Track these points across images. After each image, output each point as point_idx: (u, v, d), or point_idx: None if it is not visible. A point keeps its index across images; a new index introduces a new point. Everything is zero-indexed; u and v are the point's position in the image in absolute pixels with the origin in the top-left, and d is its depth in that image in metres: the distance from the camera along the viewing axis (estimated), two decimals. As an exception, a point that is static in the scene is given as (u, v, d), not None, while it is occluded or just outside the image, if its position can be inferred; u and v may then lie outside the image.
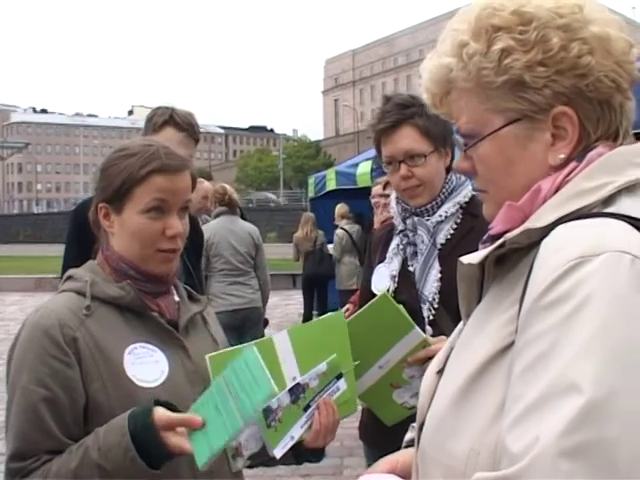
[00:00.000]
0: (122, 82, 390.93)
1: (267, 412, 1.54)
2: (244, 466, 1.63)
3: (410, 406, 2.10)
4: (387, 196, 5.21)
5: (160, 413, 1.46)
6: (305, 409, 1.62)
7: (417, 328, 2.04)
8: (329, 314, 1.77)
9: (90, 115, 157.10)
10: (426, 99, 1.23)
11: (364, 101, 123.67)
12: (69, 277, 1.73)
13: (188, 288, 1.89)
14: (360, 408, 2.59)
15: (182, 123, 2.86)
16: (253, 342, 1.57)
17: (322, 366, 1.64)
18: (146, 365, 1.62)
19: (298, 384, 1.60)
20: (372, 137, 2.42)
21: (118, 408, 1.52)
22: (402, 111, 2.29)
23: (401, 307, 2.03)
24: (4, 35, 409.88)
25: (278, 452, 1.59)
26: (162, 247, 1.67)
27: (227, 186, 6.35)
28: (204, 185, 6.18)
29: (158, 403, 1.49)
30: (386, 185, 5.28)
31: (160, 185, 1.64)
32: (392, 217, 4.95)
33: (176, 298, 1.80)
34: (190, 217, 3.18)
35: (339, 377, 1.69)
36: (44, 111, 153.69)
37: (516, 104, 1.07)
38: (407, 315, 2.03)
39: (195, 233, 3.18)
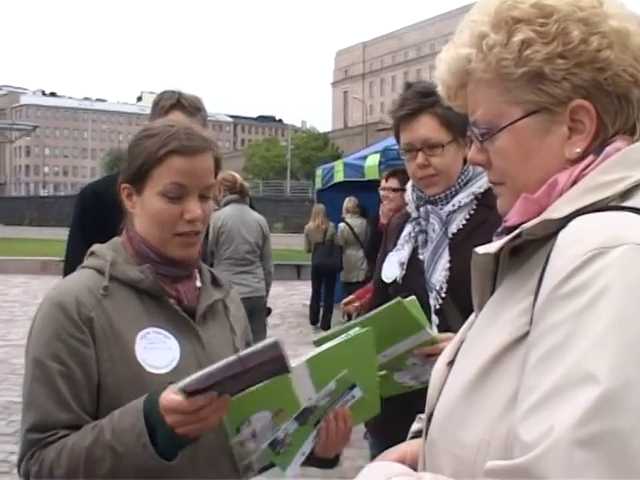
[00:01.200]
0: (132, 68, 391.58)
1: (273, 444, 1.50)
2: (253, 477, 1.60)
3: (409, 385, 2.15)
4: (389, 189, 5.23)
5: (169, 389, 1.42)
6: (316, 424, 1.58)
7: (427, 329, 2.05)
8: (357, 330, 1.64)
9: (99, 100, 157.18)
10: (441, 91, 1.23)
11: (373, 94, 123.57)
12: (92, 253, 1.71)
13: (213, 272, 1.85)
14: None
15: (189, 107, 2.86)
16: (268, 382, 1.45)
17: (331, 386, 1.56)
18: (158, 351, 1.60)
19: (305, 409, 1.53)
20: (391, 124, 2.40)
21: (124, 391, 1.52)
22: (422, 99, 2.27)
23: (414, 310, 2.02)
24: (15, 17, 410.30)
25: (290, 471, 1.55)
26: (181, 231, 1.63)
27: (236, 174, 6.33)
28: (212, 172, 6.18)
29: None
30: (388, 177, 5.28)
31: (179, 167, 1.60)
32: (394, 209, 4.99)
33: (198, 283, 1.76)
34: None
35: (352, 387, 1.61)
36: (53, 94, 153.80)
37: (534, 96, 1.07)
38: (420, 317, 2.04)
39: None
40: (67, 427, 1.51)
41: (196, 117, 2.86)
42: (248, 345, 1.81)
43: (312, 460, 1.66)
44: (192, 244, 1.67)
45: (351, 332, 1.64)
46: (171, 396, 1.39)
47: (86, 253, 1.74)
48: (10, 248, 22.21)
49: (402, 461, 1.27)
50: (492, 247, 1.08)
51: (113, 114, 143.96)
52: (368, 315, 2.01)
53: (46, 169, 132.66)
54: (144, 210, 1.65)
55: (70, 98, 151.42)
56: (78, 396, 1.53)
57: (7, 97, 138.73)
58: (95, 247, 1.72)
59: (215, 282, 1.82)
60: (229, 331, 1.79)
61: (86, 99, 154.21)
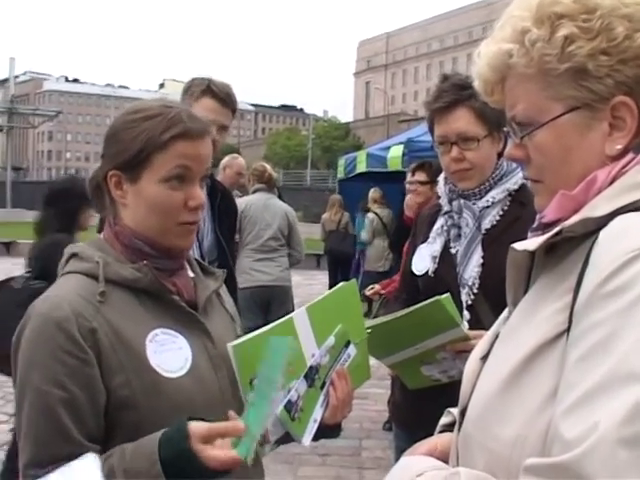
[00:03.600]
0: (154, 55, 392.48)
1: (288, 406, 1.49)
2: (271, 451, 1.56)
3: (436, 379, 2.17)
4: (416, 182, 5.23)
5: (196, 433, 1.31)
6: (322, 387, 1.60)
7: (462, 326, 2.06)
8: (342, 284, 1.73)
9: (121, 86, 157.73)
10: (478, 86, 1.22)
11: (395, 85, 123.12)
12: (74, 255, 1.55)
13: (200, 260, 1.77)
14: (389, 387, 2.61)
15: (220, 93, 2.85)
16: (273, 324, 1.53)
17: (330, 341, 1.60)
18: (169, 353, 1.49)
19: (311, 367, 1.56)
20: (426, 115, 2.38)
21: (142, 401, 1.43)
22: (459, 92, 2.23)
23: (450, 307, 2.03)
24: (39, 4, 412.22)
25: (306, 440, 1.56)
26: (183, 220, 1.53)
27: (267, 165, 6.35)
28: (238, 161, 6.19)
29: (191, 419, 1.35)
30: (415, 171, 5.27)
31: (184, 151, 1.49)
32: (424, 202, 4.98)
33: (190, 274, 1.66)
34: (225, 191, 3.19)
35: (347, 345, 1.67)
36: (76, 80, 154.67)
37: (576, 92, 1.06)
38: (455, 315, 2.04)
39: (230, 207, 3.19)
40: (71, 459, 1.36)
41: (227, 103, 2.86)
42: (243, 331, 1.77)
43: (320, 430, 1.60)
44: (192, 232, 1.58)
45: (338, 286, 1.72)
46: (221, 455, 1.30)
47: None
48: (32, 232, 22.42)
49: (432, 454, 1.27)
50: (531, 244, 1.07)
51: (135, 101, 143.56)
52: (406, 311, 2.03)
53: (68, 155, 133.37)
54: (140, 199, 1.52)
55: (93, 84, 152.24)
56: (82, 423, 1.39)
57: (31, 83, 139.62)
58: (76, 248, 1.56)
59: (205, 271, 1.73)
60: (229, 319, 1.74)
61: (108, 85, 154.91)
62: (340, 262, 11.16)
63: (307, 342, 1.57)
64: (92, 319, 1.42)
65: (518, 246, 1.09)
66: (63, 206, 4.02)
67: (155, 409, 1.43)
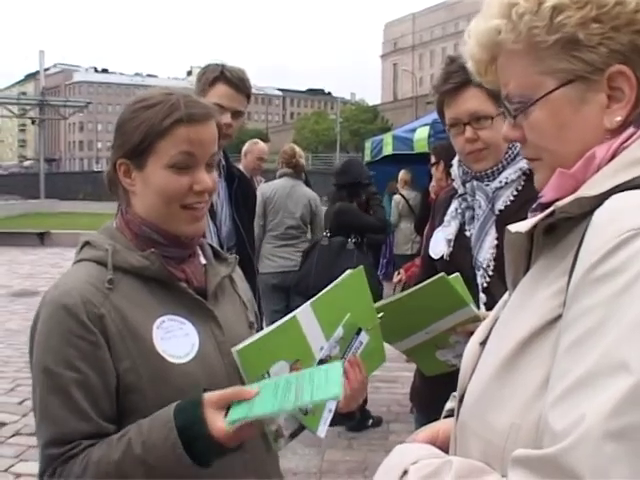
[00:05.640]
0: (182, 43, 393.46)
1: None
2: (286, 445, 1.56)
3: (452, 364, 2.13)
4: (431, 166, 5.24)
5: (210, 400, 1.35)
6: None
7: (471, 305, 2.01)
8: (348, 272, 1.69)
9: (150, 75, 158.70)
10: (471, 67, 1.18)
11: (423, 66, 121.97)
12: (87, 243, 1.59)
13: (214, 246, 1.78)
14: (413, 369, 2.59)
15: (233, 78, 2.83)
16: (277, 324, 1.51)
17: (339, 332, 1.59)
18: (176, 339, 1.52)
19: (321, 360, 1.54)
20: (434, 99, 2.33)
21: (149, 387, 1.45)
22: (469, 72, 2.19)
23: (458, 287, 1.99)
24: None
25: (322, 431, 1.55)
26: (188, 202, 1.54)
27: (297, 148, 6.17)
28: (259, 146, 6.16)
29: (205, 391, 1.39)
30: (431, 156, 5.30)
31: (185, 137, 1.51)
32: (437, 184, 4.96)
33: (202, 260, 1.68)
34: (242, 176, 3.18)
35: (358, 332, 1.64)
36: (105, 71, 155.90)
37: (569, 64, 1.02)
38: (464, 294, 2.01)
39: (248, 193, 3.18)
40: (87, 437, 1.41)
41: (240, 89, 2.85)
42: (256, 316, 1.79)
43: (335, 418, 1.60)
44: (200, 217, 1.59)
45: (343, 275, 1.68)
46: (220, 426, 1.32)
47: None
48: (65, 222, 22.75)
49: (433, 441, 1.25)
50: (524, 225, 1.03)
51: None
52: (411, 290, 1.99)
53: (99, 144, 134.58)
54: (147, 186, 1.54)
55: (121, 74, 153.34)
56: (96, 403, 1.43)
57: (61, 74, 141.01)
58: (89, 237, 1.60)
59: (218, 256, 1.75)
60: (240, 305, 1.74)
61: (137, 75, 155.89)
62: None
63: (314, 337, 1.55)
64: (100, 306, 1.46)
65: (512, 228, 1.05)
66: (350, 184, 5.48)
67: (161, 394, 1.45)
